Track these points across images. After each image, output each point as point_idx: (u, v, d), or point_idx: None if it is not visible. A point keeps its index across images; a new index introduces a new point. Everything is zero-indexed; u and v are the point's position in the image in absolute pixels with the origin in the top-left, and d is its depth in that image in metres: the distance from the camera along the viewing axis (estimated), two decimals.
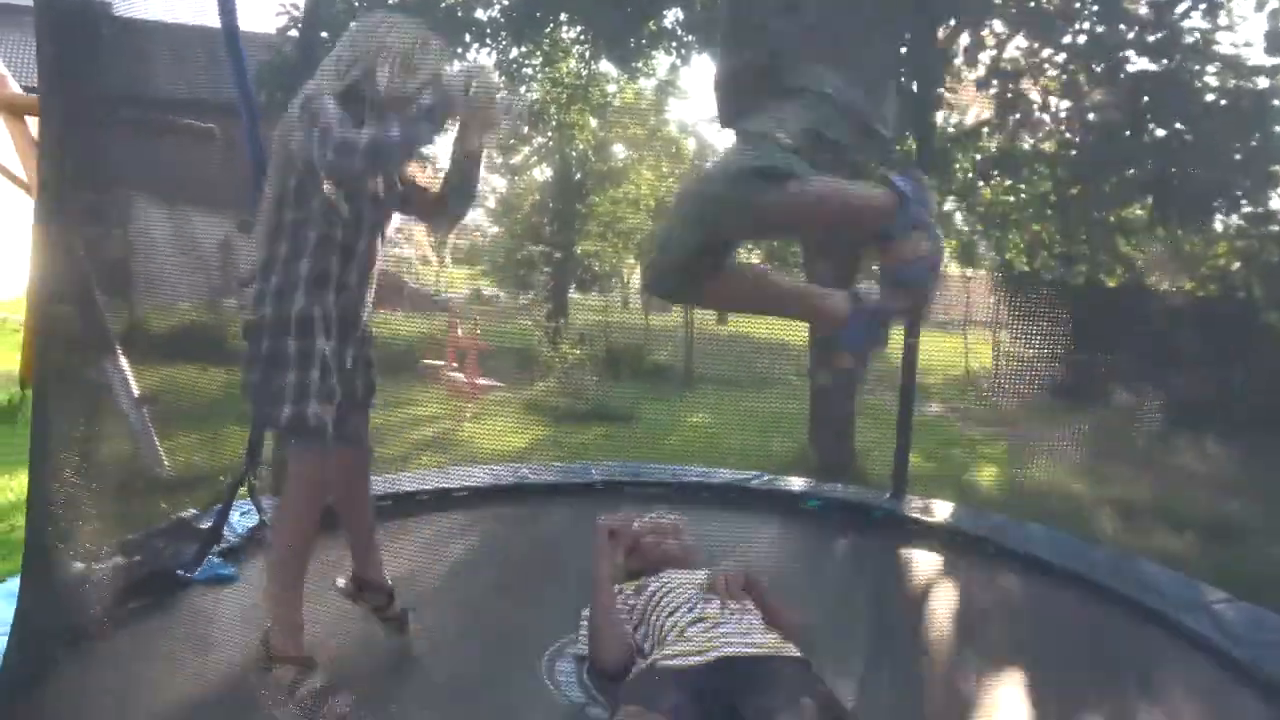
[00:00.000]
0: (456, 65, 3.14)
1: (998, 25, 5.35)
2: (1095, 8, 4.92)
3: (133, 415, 3.19)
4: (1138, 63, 4.85)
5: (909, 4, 2.05)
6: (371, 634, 2.32)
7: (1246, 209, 5.03)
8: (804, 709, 1.72)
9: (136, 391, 3.21)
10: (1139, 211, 5.44)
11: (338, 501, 2.28)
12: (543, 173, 13.11)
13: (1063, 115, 5.44)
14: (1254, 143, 4.67)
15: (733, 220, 1.73)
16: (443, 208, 2.28)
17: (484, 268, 13.23)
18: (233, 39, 2.85)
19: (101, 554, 2.24)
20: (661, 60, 6.63)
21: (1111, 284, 5.63)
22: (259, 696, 1.98)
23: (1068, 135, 5.46)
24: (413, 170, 2.27)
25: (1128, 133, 4.87)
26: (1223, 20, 4.80)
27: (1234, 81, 4.74)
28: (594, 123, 8.40)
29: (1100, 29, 4.89)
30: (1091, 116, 5.18)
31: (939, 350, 7.33)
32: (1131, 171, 4.99)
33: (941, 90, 5.07)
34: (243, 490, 2.99)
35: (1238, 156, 4.70)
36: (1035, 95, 5.43)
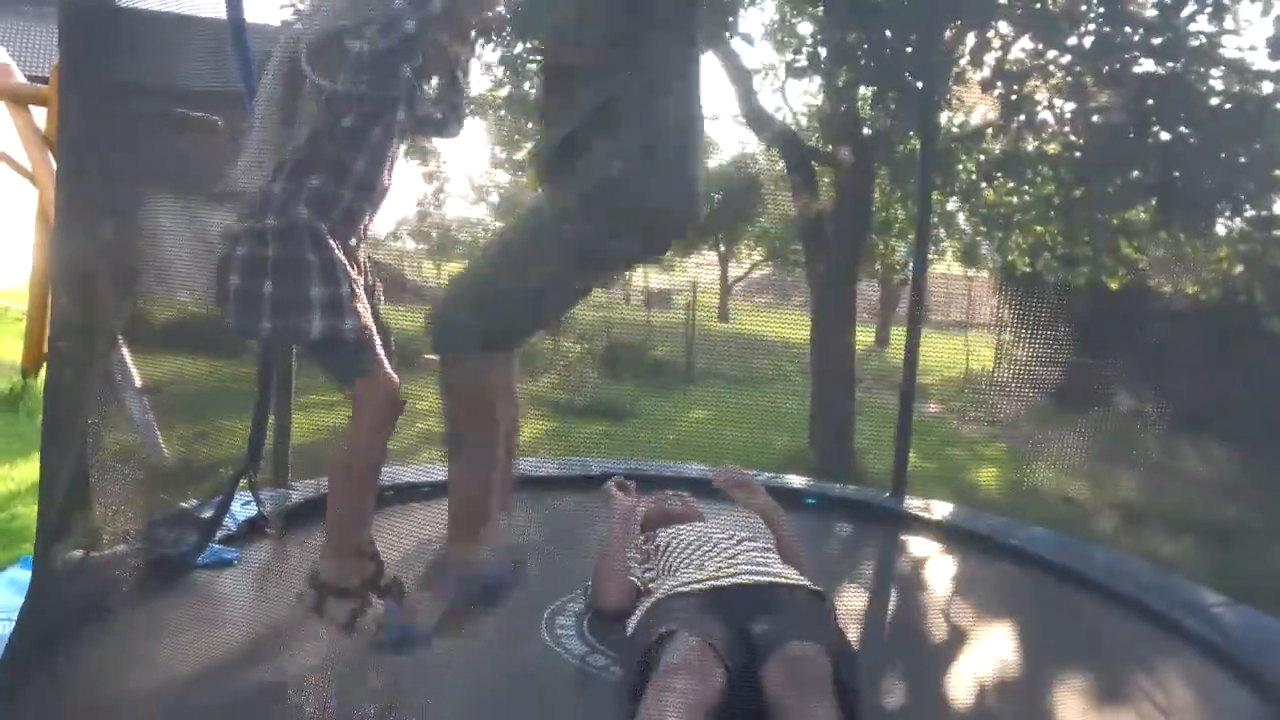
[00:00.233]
0: None
1: (1003, 27, 5.36)
2: (1100, 10, 4.93)
3: (135, 405, 3.20)
4: (1142, 66, 4.87)
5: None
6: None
7: (1250, 213, 5.03)
8: (808, 645, 1.68)
9: (139, 382, 3.23)
10: (1142, 214, 5.45)
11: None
12: None
13: (1067, 117, 5.45)
14: (1258, 147, 4.67)
15: None
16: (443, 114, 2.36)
17: None
18: (239, 33, 2.85)
19: (107, 540, 2.25)
20: None
21: (1114, 286, 5.64)
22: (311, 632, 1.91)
23: (1072, 137, 5.46)
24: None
25: (1132, 135, 4.88)
26: (1228, 24, 4.81)
27: (1238, 85, 4.75)
28: None
29: (1105, 31, 4.89)
30: (1095, 119, 5.18)
31: (939, 350, 7.35)
32: (1135, 174, 5.00)
33: (946, 92, 5.09)
34: (244, 483, 2.99)
35: (1242, 160, 4.72)
36: (1039, 97, 5.43)
